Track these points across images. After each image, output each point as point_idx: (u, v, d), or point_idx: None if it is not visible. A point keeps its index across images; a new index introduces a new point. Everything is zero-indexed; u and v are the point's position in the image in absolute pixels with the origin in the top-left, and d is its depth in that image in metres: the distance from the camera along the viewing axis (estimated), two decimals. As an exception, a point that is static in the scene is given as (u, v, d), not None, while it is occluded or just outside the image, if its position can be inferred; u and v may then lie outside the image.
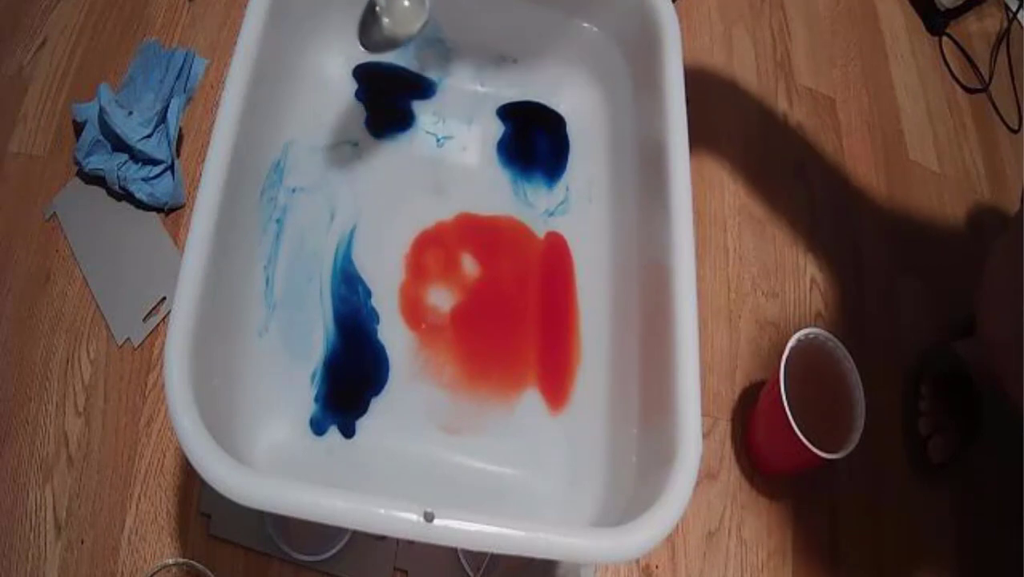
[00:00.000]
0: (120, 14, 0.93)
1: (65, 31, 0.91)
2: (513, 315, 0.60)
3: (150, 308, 0.77)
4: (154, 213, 0.82)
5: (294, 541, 0.68)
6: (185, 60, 0.84)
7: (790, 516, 0.79)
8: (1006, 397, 0.66)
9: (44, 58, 0.90)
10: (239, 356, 0.54)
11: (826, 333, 0.75)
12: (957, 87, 1.16)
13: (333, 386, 0.56)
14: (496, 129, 0.67)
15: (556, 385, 0.58)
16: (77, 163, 0.81)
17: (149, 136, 0.80)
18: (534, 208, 0.64)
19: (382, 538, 0.68)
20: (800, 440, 0.69)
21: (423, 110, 0.66)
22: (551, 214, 0.64)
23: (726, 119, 1.00)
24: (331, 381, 0.56)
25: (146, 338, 0.76)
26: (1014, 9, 1.21)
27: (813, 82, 1.06)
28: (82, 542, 0.68)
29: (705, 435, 0.81)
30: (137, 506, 0.70)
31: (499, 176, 0.65)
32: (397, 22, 0.55)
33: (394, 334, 0.58)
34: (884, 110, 1.08)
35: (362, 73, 0.66)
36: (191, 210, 0.71)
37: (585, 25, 0.66)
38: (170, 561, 0.68)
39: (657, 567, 0.75)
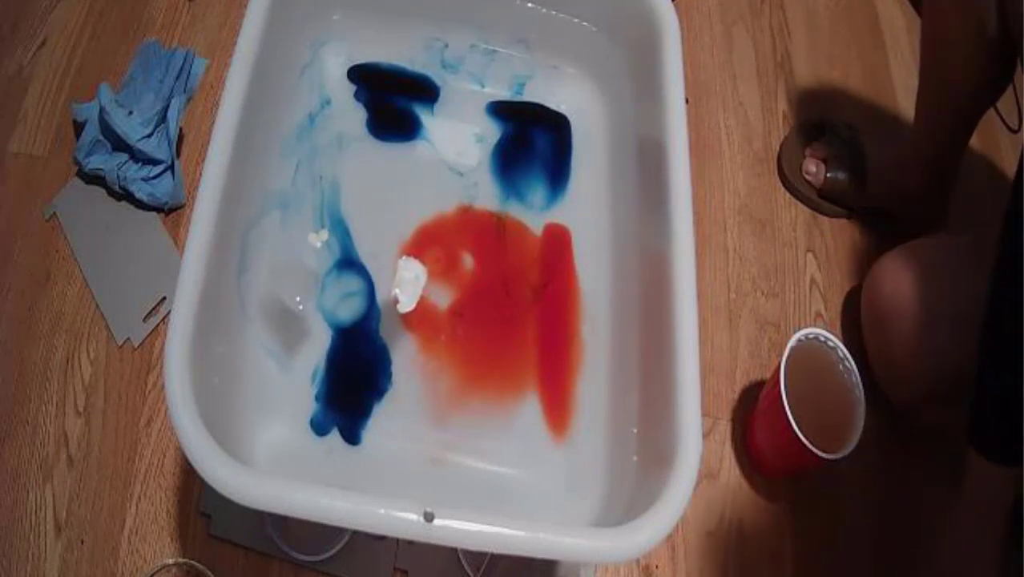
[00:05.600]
0: (120, 14, 0.93)
1: (65, 31, 0.91)
2: (513, 316, 0.60)
3: (150, 308, 0.77)
4: (154, 213, 0.82)
5: (294, 541, 0.68)
6: (185, 60, 0.84)
7: (790, 516, 0.79)
8: None
9: (44, 58, 0.90)
10: (239, 356, 0.54)
11: (826, 333, 0.75)
12: (957, 87, 1.16)
13: (334, 385, 0.56)
14: (496, 129, 0.67)
15: (556, 386, 0.58)
16: (77, 163, 0.81)
17: (149, 136, 0.80)
18: (534, 208, 0.64)
19: (382, 538, 0.68)
20: (800, 440, 0.69)
21: (423, 110, 0.66)
22: (551, 214, 0.64)
23: (726, 119, 1.00)
24: (332, 380, 0.56)
25: (146, 338, 0.76)
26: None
27: (813, 82, 1.06)
28: (82, 542, 0.68)
29: (705, 435, 0.81)
30: (137, 506, 0.70)
31: (500, 176, 0.65)
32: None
33: (394, 334, 0.58)
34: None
35: (361, 74, 0.66)
36: (191, 210, 0.71)
37: (585, 25, 0.66)
38: (170, 561, 0.68)
39: (657, 567, 0.75)
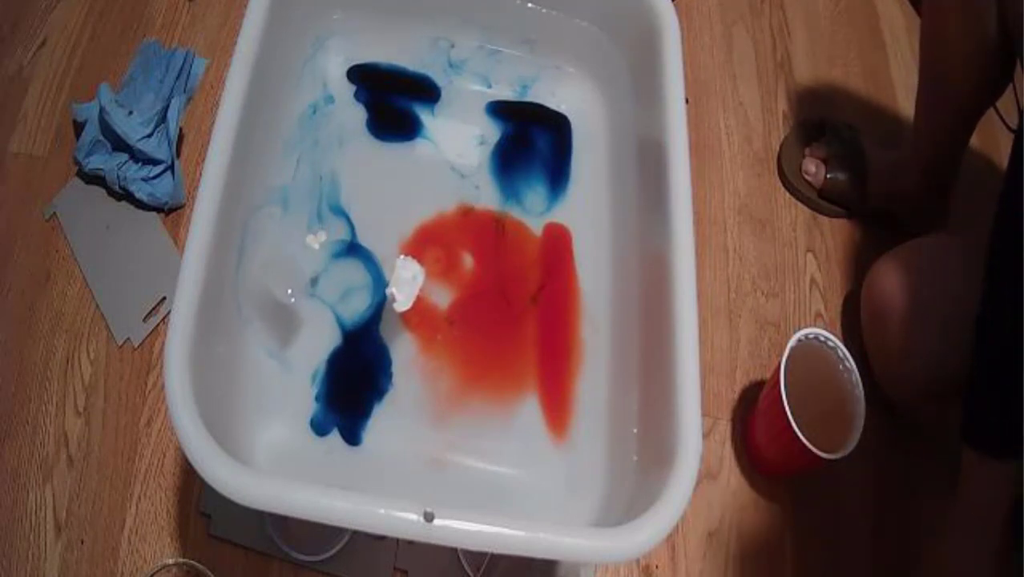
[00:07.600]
0: (120, 14, 0.94)
1: (65, 31, 0.91)
2: (513, 317, 0.60)
3: (150, 308, 0.77)
4: (154, 213, 0.82)
5: (294, 541, 0.68)
6: (185, 60, 0.84)
7: (790, 516, 0.79)
8: None
9: (44, 58, 0.90)
10: (239, 356, 0.54)
11: (826, 333, 0.75)
12: (957, 87, 1.16)
13: (334, 385, 0.56)
14: (496, 129, 0.67)
15: (556, 386, 0.58)
16: (77, 163, 0.82)
17: (149, 136, 0.80)
18: (534, 208, 0.64)
19: (382, 538, 0.68)
20: (800, 441, 0.69)
21: (424, 111, 0.66)
22: (551, 214, 0.64)
23: (726, 119, 1.00)
24: (332, 380, 0.56)
25: (146, 338, 0.76)
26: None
27: (813, 82, 1.06)
28: (82, 542, 0.68)
29: (705, 435, 0.81)
30: (137, 506, 0.70)
31: (500, 176, 0.65)
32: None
33: (394, 334, 0.58)
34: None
35: (361, 74, 0.66)
36: (191, 210, 0.71)
37: (585, 25, 0.66)
38: (170, 561, 0.68)
39: (657, 567, 0.75)
